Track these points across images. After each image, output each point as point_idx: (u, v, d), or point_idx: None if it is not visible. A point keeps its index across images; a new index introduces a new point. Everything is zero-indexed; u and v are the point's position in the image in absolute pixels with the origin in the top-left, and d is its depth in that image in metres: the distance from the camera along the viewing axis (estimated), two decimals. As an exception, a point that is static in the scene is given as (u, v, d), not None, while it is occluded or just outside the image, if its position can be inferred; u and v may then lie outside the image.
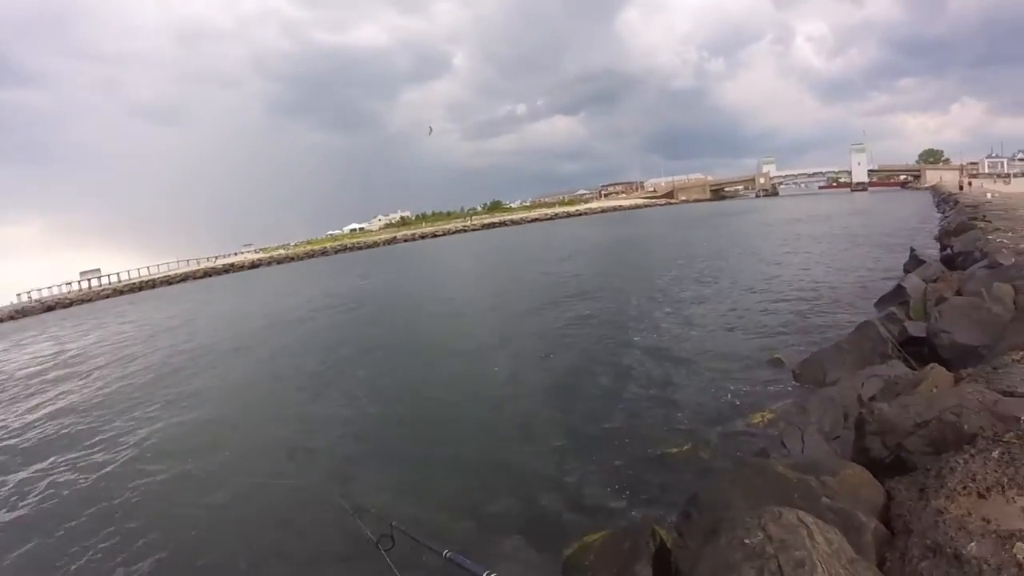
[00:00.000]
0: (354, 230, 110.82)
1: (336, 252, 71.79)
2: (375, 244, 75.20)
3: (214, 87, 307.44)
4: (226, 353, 15.50)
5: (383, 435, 8.21)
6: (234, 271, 61.64)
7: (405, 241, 76.91)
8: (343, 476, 6.83)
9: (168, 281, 55.74)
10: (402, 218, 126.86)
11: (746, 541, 2.59)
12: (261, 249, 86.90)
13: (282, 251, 78.14)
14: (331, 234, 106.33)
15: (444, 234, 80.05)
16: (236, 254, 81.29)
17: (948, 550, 2.52)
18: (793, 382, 7.92)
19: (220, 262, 69.05)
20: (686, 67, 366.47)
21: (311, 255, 70.85)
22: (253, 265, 64.86)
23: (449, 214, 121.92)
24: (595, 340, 11.84)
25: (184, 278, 57.18)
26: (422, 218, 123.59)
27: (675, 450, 6.22)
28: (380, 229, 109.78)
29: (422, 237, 79.77)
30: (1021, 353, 4.50)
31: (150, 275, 59.88)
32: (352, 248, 73.58)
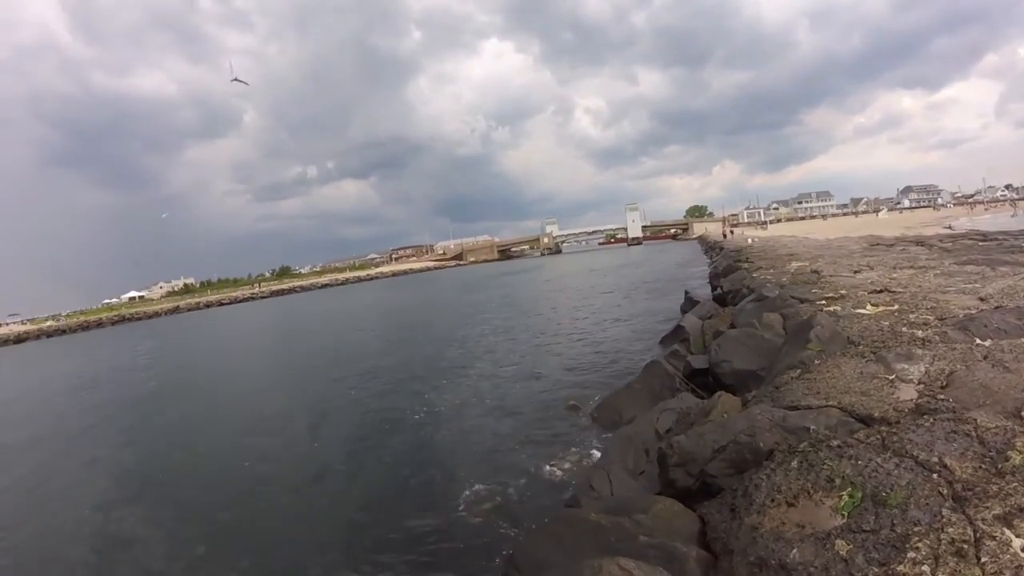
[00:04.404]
0: (133, 298, 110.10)
1: (114, 323, 68.90)
2: (157, 314, 73.57)
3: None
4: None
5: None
6: (-4, 346, 56.46)
7: (190, 310, 76.14)
8: None
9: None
10: (186, 285, 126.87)
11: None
12: (29, 320, 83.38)
13: (52, 323, 74.16)
14: (108, 303, 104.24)
15: (231, 302, 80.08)
16: (1, 325, 77.55)
17: (773, 562, 2.64)
18: (592, 426, 8.41)
19: (-20, 336, 64.46)
20: (473, 135, 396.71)
21: (86, 327, 67.57)
22: (19, 339, 60.52)
23: (236, 281, 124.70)
24: (393, 402, 11.67)
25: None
26: (207, 285, 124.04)
27: (488, 506, 6.17)
28: (162, 297, 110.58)
29: (207, 306, 79.30)
30: (797, 371, 5.18)
31: None
32: (131, 319, 71.31)
